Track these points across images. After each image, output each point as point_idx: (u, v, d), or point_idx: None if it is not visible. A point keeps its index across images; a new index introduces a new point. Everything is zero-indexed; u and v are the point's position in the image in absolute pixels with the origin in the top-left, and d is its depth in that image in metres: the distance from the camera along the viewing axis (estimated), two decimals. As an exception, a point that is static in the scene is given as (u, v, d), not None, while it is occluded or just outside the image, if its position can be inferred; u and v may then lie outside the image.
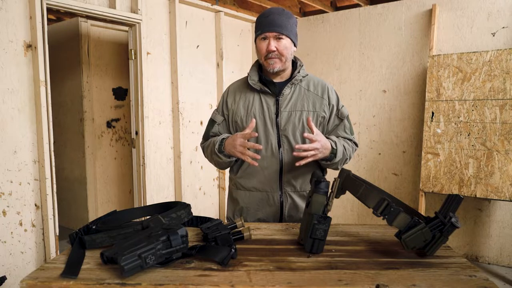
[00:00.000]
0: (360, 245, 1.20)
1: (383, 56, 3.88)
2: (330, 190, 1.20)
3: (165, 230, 1.01)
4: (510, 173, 3.01)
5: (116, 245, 1.00)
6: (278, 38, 1.51)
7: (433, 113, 3.34)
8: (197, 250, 1.06)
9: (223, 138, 1.55)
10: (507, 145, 3.02)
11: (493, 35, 3.31)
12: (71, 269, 0.98)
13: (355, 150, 1.67)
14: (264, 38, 1.52)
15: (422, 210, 3.38)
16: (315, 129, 1.46)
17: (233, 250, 1.05)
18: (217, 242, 1.12)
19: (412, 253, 1.13)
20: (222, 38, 3.99)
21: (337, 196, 1.22)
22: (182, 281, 0.93)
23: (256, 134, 1.48)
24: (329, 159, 1.52)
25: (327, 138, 1.54)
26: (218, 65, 4.03)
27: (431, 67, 3.37)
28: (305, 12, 4.52)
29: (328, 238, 1.26)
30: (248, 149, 1.46)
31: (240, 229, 1.24)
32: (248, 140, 1.48)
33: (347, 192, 1.29)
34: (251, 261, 1.07)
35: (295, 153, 1.43)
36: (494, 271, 3.29)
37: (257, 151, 1.57)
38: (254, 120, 1.49)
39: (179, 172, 3.65)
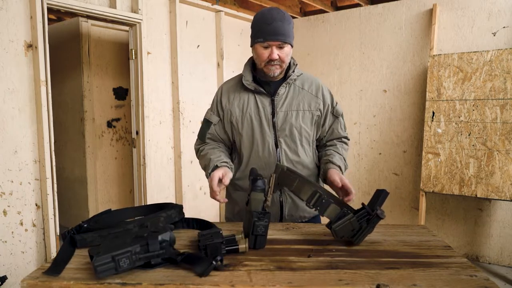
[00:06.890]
0: (361, 245, 1.20)
1: (383, 56, 3.87)
2: (268, 186, 1.24)
3: (151, 232, 1.00)
4: (510, 173, 3.00)
5: (102, 245, 0.99)
6: (280, 47, 1.49)
7: (433, 112, 3.34)
8: (183, 257, 1.03)
9: (217, 166, 1.51)
10: (507, 145, 3.02)
11: (494, 35, 3.31)
12: (56, 267, 0.98)
13: (348, 146, 1.72)
14: (266, 46, 1.49)
15: (422, 209, 3.38)
16: (343, 181, 1.44)
17: (214, 263, 0.99)
18: (206, 251, 1.07)
19: (412, 253, 1.13)
20: (222, 38, 3.99)
21: (274, 191, 1.27)
22: (183, 281, 0.93)
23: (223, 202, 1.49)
24: None
25: (328, 161, 1.55)
26: (218, 64, 4.03)
27: (432, 66, 3.37)
28: (305, 12, 4.52)
29: (328, 238, 1.26)
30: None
31: (237, 239, 1.16)
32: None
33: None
34: (252, 261, 1.07)
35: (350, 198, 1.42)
36: (495, 271, 3.29)
37: (254, 153, 1.57)
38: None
39: (179, 172, 3.65)
